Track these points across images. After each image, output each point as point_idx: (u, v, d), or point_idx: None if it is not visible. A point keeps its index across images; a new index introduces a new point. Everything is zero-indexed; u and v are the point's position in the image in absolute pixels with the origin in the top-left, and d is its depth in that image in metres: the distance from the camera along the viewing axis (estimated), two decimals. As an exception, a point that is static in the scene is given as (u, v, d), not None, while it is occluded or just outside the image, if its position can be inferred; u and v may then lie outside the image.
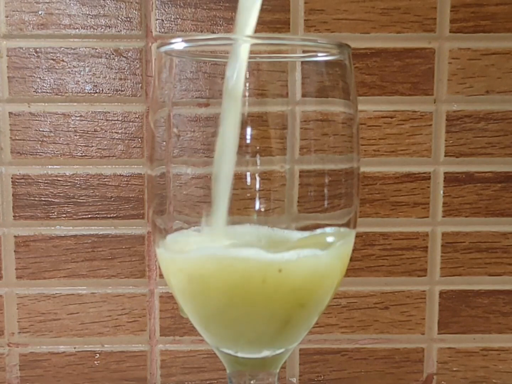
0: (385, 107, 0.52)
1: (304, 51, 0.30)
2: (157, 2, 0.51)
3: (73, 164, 0.52)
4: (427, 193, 0.53)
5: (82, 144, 0.52)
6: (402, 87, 0.52)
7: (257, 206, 0.28)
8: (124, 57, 0.51)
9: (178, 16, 0.51)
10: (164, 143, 0.30)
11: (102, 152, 0.52)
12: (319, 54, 0.29)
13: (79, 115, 0.52)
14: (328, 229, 0.29)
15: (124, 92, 0.52)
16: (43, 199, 0.52)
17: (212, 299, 0.28)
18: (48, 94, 0.51)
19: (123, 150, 0.52)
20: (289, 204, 0.29)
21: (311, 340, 0.55)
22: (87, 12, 0.51)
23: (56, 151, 0.52)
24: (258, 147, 0.28)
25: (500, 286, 0.54)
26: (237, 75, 0.27)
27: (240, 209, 0.28)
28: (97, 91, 0.52)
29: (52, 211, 0.52)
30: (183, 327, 0.54)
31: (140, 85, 0.52)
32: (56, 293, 0.54)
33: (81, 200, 0.53)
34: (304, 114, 0.29)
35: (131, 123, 0.52)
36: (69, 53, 0.51)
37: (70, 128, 0.52)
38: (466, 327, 0.55)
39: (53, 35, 0.51)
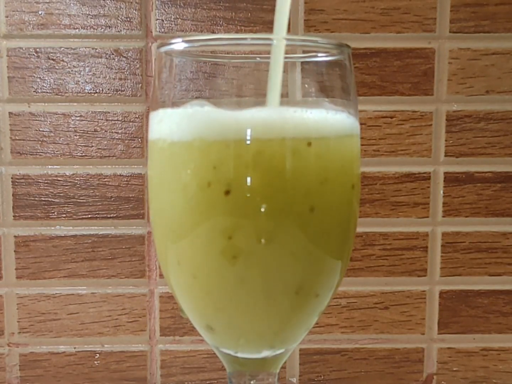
0: (385, 107, 0.52)
1: (304, 51, 0.30)
2: (157, 2, 0.51)
3: (73, 164, 0.52)
4: (427, 193, 0.53)
5: (82, 144, 0.52)
6: (402, 87, 0.52)
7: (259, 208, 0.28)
8: (124, 57, 0.51)
9: (178, 16, 0.51)
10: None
11: (102, 152, 0.52)
12: (319, 54, 0.29)
13: (79, 115, 0.52)
14: None
15: (124, 92, 0.52)
16: (43, 199, 0.52)
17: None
18: (48, 94, 0.51)
19: (123, 150, 0.52)
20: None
21: (311, 340, 0.55)
22: (87, 12, 0.51)
23: (56, 151, 0.52)
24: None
25: (500, 286, 0.54)
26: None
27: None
28: (97, 91, 0.52)
29: (52, 211, 0.52)
30: (183, 327, 0.54)
31: (140, 85, 0.52)
32: (56, 293, 0.54)
33: (81, 200, 0.53)
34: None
35: (131, 123, 0.52)
36: (69, 53, 0.51)
37: (70, 128, 0.52)
38: (466, 327, 0.55)
39: (53, 35, 0.51)
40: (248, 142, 0.26)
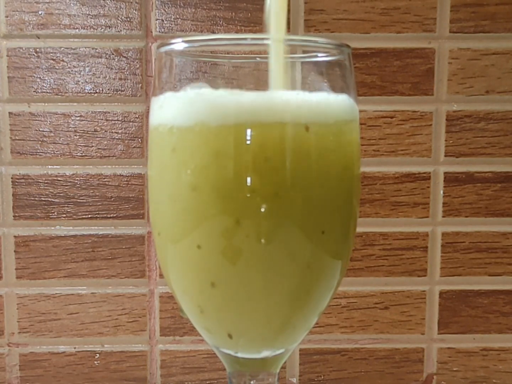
0: (385, 107, 0.52)
1: (304, 51, 0.30)
2: (157, 2, 0.51)
3: (73, 164, 0.52)
4: (427, 193, 0.53)
5: (82, 144, 0.52)
6: (402, 87, 0.52)
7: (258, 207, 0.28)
8: (124, 57, 0.51)
9: (178, 16, 0.51)
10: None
11: (102, 152, 0.52)
12: (319, 54, 0.29)
13: (79, 115, 0.52)
14: None
15: (124, 92, 0.52)
16: (43, 199, 0.52)
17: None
18: (48, 94, 0.51)
19: (123, 150, 0.52)
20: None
21: (311, 340, 0.55)
22: (87, 12, 0.51)
23: (56, 151, 0.52)
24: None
25: (500, 286, 0.54)
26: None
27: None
28: (97, 91, 0.52)
29: (52, 211, 0.52)
30: (183, 327, 0.54)
31: (140, 85, 0.52)
32: (56, 293, 0.54)
33: (81, 200, 0.53)
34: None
35: (131, 123, 0.52)
36: (69, 53, 0.51)
37: (70, 128, 0.52)
38: (466, 327, 0.55)
39: (53, 35, 0.51)
40: (250, 126, 0.26)
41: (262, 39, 0.28)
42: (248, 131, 0.26)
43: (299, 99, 0.27)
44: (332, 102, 0.28)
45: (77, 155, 0.52)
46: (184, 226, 0.27)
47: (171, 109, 0.28)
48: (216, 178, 0.26)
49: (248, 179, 0.26)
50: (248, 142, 0.26)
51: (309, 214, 0.27)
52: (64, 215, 0.53)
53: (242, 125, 0.26)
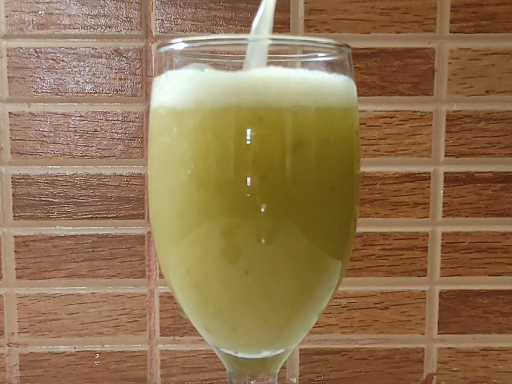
0: (385, 107, 0.52)
1: (304, 51, 0.30)
2: (157, 2, 0.51)
3: (73, 164, 0.52)
4: (427, 193, 0.53)
5: (82, 144, 0.52)
6: (402, 87, 0.52)
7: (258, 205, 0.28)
8: (124, 57, 0.51)
9: (178, 16, 0.51)
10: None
11: (102, 152, 0.52)
12: (319, 55, 0.29)
13: (79, 115, 0.52)
14: None
15: (124, 92, 0.52)
16: (43, 199, 0.52)
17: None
18: (48, 94, 0.51)
19: (123, 150, 0.52)
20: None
21: (311, 340, 0.55)
22: (87, 12, 0.51)
23: (56, 151, 0.52)
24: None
25: (500, 286, 0.54)
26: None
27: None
28: (97, 91, 0.52)
29: (52, 211, 0.52)
30: (183, 327, 0.54)
31: (140, 85, 0.52)
32: (56, 293, 0.54)
33: (81, 200, 0.53)
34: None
35: (131, 123, 0.52)
36: (69, 53, 0.51)
37: (70, 128, 0.52)
38: (466, 327, 0.55)
39: (53, 35, 0.51)
40: (250, 106, 0.25)
41: (263, 39, 0.28)
42: (249, 112, 0.25)
43: (298, 76, 0.26)
44: (332, 83, 0.28)
45: (77, 155, 0.52)
46: (184, 224, 0.27)
47: (171, 89, 0.27)
48: (216, 164, 0.26)
49: (248, 179, 0.26)
50: (249, 124, 0.25)
51: (310, 212, 0.27)
52: (64, 215, 0.53)
53: (242, 106, 0.25)
